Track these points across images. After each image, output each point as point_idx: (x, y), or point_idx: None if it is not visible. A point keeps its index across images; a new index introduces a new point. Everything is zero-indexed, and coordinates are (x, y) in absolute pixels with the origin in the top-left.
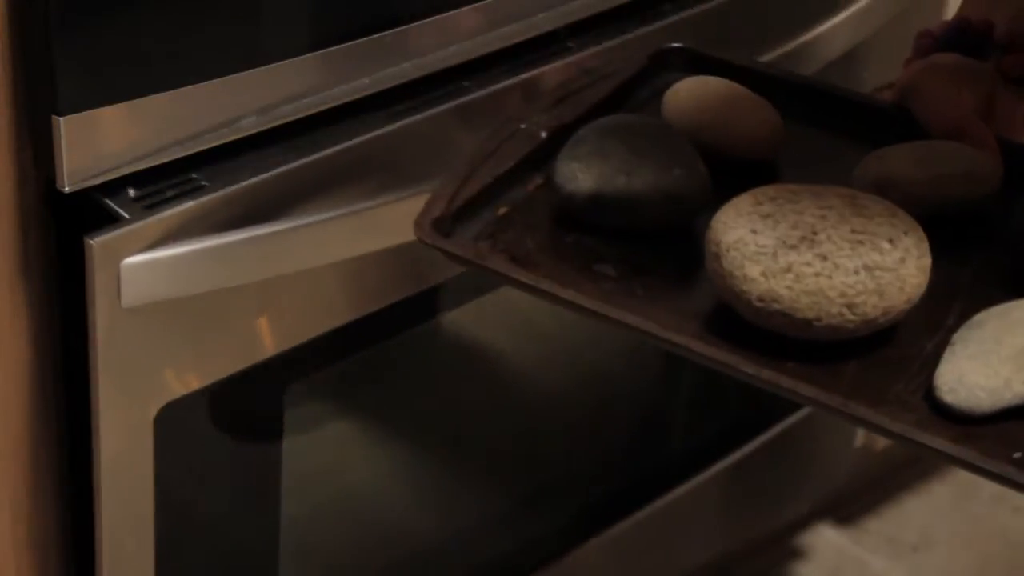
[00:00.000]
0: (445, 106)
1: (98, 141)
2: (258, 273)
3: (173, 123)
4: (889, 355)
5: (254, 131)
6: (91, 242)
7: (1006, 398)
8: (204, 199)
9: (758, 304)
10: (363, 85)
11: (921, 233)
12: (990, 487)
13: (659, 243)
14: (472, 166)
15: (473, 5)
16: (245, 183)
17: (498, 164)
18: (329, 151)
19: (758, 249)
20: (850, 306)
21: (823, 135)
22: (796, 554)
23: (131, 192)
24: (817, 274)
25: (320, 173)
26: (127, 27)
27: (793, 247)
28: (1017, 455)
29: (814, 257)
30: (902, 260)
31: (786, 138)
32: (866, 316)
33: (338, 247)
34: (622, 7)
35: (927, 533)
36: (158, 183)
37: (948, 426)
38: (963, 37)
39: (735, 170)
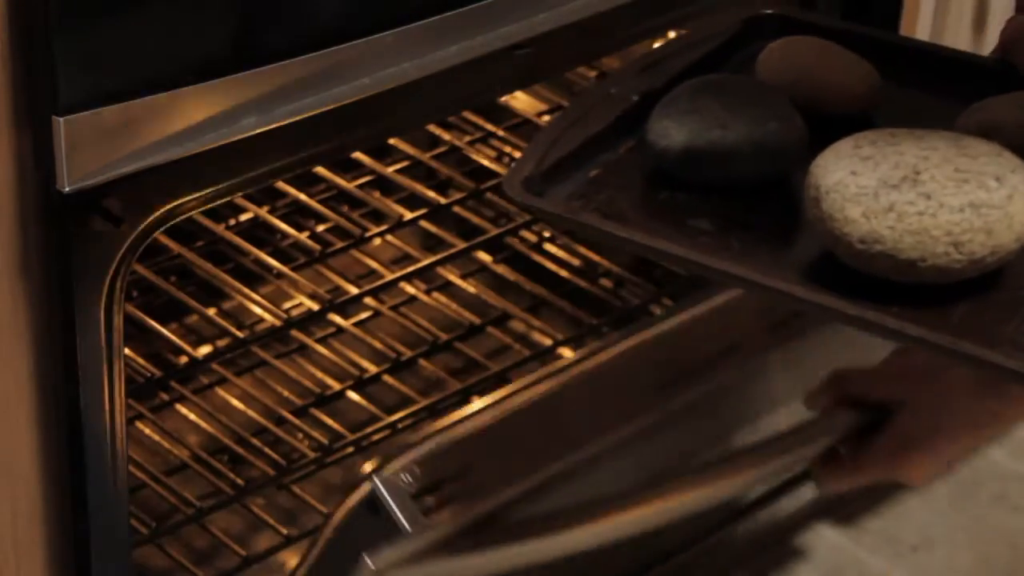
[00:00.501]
0: None
1: (98, 141)
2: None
3: (173, 123)
4: (997, 298)
5: (254, 131)
6: (368, 559)
7: None
8: (485, 503)
9: (859, 246)
10: (364, 85)
11: (1022, 168)
12: (990, 487)
13: (754, 197)
14: (560, 129)
15: (474, 5)
16: (522, 488)
17: (588, 127)
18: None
19: (859, 190)
20: (956, 244)
21: (921, 93)
22: (796, 554)
23: (408, 481)
24: (920, 213)
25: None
26: (127, 27)
27: (895, 187)
28: None
29: (917, 196)
30: (1009, 197)
31: (883, 97)
32: (973, 255)
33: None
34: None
35: (927, 533)
36: (432, 469)
37: None
38: None
39: (832, 125)
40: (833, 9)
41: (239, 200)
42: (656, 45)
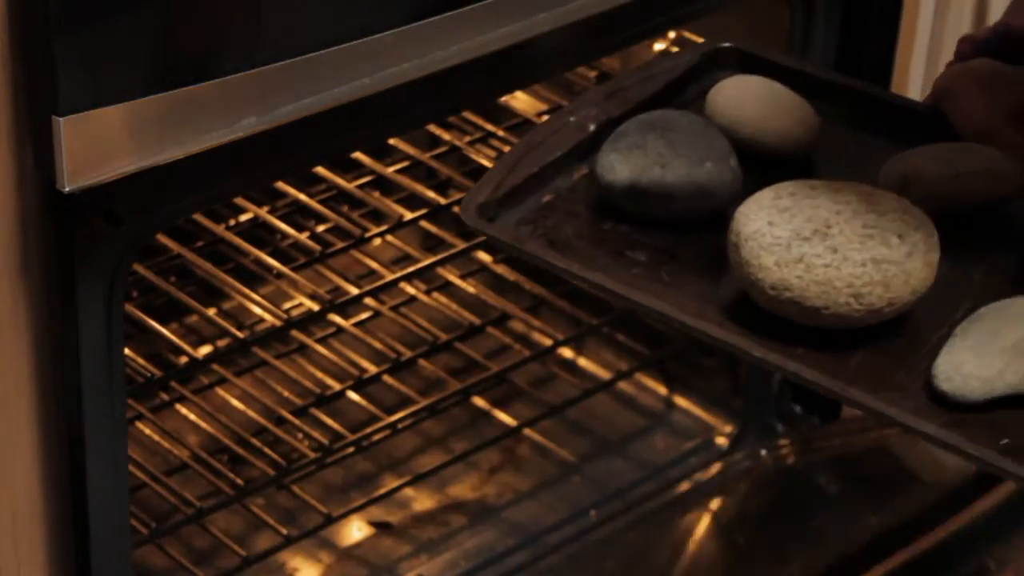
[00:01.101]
0: None
1: (98, 141)
2: None
3: (173, 123)
4: (896, 345)
5: (254, 131)
6: None
7: (998, 387)
8: None
9: (771, 292)
10: (363, 85)
11: (931, 229)
12: None
13: (691, 233)
14: (519, 155)
15: (474, 5)
16: None
17: (545, 154)
18: None
19: (773, 240)
20: (856, 296)
21: (861, 134)
22: None
23: None
24: (827, 265)
25: None
26: (127, 27)
27: (806, 239)
28: (1004, 442)
29: (825, 249)
30: (909, 254)
31: (824, 136)
32: (872, 306)
33: None
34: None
35: None
36: None
37: (942, 412)
38: (1003, 43)
39: (772, 165)
40: (832, 9)
41: (239, 200)
42: (619, 73)
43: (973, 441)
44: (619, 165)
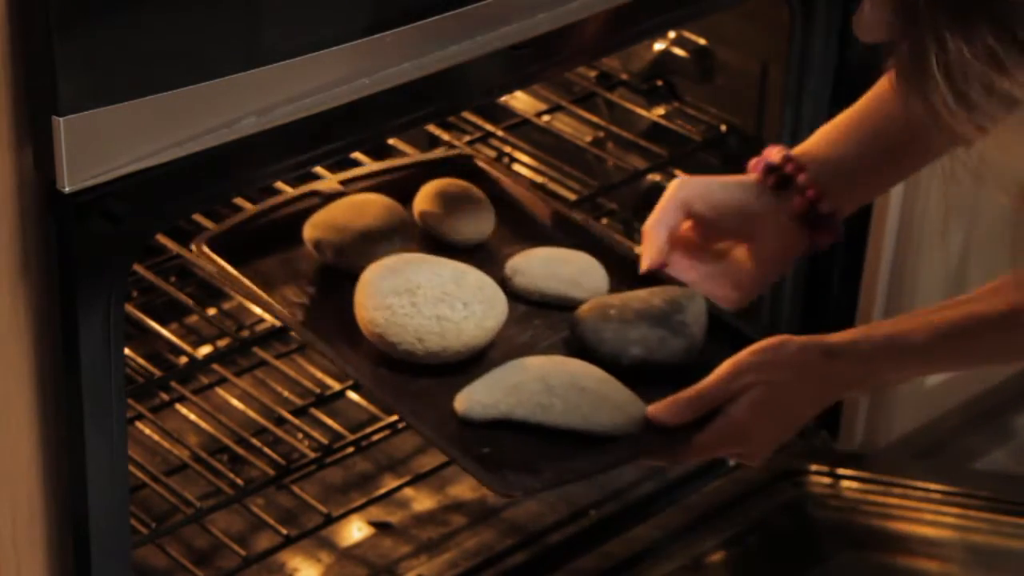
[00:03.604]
0: None
1: (98, 141)
2: None
3: (173, 123)
4: (454, 379)
5: (254, 131)
6: None
7: (494, 412)
8: None
9: (368, 326)
10: (363, 85)
11: (499, 306)
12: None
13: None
14: (260, 209)
15: (474, 5)
16: None
17: (278, 210)
18: None
19: (375, 291)
20: (420, 339)
21: (536, 241)
22: None
23: None
24: (405, 314)
25: None
26: (127, 27)
27: (398, 294)
28: (486, 450)
29: (408, 303)
30: (466, 318)
31: (503, 234)
32: (430, 349)
33: None
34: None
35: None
36: None
37: (457, 426)
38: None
39: (458, 250)
40: (832, 9)
41: (239, 200)
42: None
43: (457, 447)
44: (313, 226)
